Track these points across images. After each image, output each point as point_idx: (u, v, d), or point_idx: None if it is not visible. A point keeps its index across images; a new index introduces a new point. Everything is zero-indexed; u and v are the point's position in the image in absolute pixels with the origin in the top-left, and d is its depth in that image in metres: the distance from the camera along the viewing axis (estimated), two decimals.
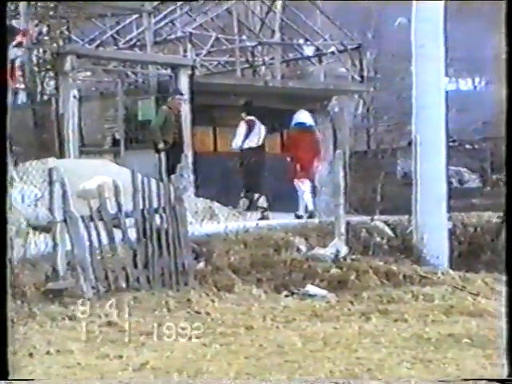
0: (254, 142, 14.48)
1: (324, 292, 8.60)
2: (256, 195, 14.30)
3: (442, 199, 10.31)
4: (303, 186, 13.62)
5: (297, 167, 13.57)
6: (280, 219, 11.87)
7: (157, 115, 15.01)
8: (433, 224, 10.23)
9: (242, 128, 14.45)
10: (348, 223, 10.40)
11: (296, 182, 13.68)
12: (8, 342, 5.05)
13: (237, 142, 14.48)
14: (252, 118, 14.49)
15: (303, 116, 14.02)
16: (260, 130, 14.58)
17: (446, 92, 10.81)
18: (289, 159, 13.83)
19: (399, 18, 22.85)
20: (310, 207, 13.54)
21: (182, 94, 15.46)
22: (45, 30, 16.03)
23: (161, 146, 14.10)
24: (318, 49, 19.87)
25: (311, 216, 13.15)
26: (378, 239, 10.54)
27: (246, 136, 14.43)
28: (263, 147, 14.68)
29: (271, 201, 14.33)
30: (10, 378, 4.97)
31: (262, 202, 14.34)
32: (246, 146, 14.34)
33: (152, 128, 14.69)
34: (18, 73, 14.35)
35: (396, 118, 23.68)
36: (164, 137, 14.26)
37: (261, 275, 8.97)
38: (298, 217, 13.18)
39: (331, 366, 5.51)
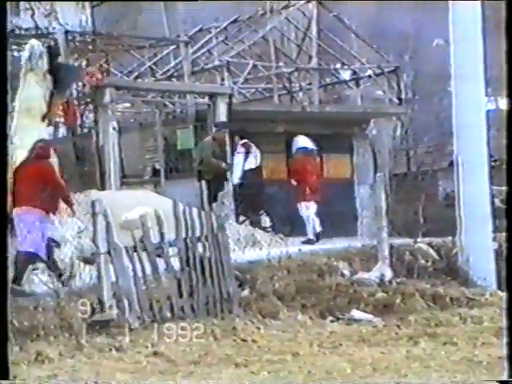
0: (252, 163, 14.69)
1: (370, 316, 8.53)
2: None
3: (487, 219, 10.20)
4: (309, 210, 13.69)
5: (306, 190, 13.71)
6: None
7: (204, 149, 14.90)
8: (478, 245, 10.12)
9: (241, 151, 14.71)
10: (391, 246, 10.33)
11: (300, 205, 13.74)
12: (8, 342, 5.03)
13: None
14: (246, 140, 14.74)
15: (304, 141, 14.26)
16: (256, 152, 14.83)
17: (487, 111, 10.72)
18: (295, 183, 13.97)
19: (436, 39, 22.71)
20: (318, 229, 13.54)
21: (226, 128, 15.56)
22: (84, 64, 16.21)
23: (209, 176, 14.25)
24: (354, 72, 19.83)
25: (318, 237, 13.15)
26: (423, 262, 10.43)
27: (245, 159, 14.65)
28: (260, 169, 14.99)
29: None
30: (10, 379, 4.97)
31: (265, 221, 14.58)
32: (246, 167, 14.59)
33: (208, 162, 14.66)
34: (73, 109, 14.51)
35: (435, 139, 23.45)
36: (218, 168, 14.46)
37: (305, 301, 8.92)
38: (309, 241, 13.15)
39: None
